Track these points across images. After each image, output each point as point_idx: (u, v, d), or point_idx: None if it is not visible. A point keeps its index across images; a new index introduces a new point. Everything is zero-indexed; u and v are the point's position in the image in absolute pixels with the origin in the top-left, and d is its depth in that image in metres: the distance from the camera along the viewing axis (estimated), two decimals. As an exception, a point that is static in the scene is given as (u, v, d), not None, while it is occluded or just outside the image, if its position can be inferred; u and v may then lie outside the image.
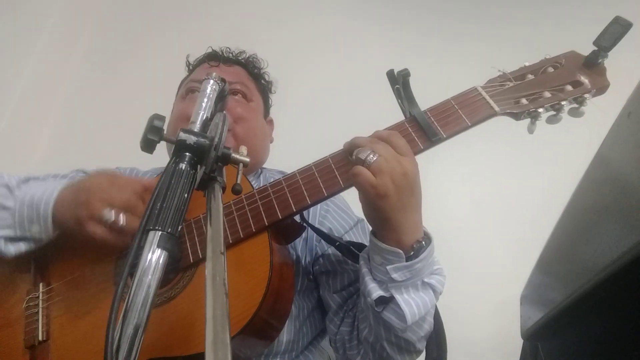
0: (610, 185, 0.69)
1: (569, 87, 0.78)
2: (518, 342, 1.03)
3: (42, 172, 1.02)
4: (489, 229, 1.65)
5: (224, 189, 0.55)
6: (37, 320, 0.79)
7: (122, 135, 1.41)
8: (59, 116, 2.00)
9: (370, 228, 0.77)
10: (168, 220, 0.48)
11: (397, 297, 0.72)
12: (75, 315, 0.78)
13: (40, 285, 0.82)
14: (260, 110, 1.16)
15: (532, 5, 1.91)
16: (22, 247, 0.79)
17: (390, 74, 0.79)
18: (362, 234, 0.99)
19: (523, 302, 1.01)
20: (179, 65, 1.24)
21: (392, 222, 0.70)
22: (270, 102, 1.24)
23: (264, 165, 1.16)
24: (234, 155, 0.57)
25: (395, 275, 0.71)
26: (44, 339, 0.77)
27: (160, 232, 0.47)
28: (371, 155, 0.68)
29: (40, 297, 0.81)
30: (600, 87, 0.77)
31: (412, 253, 0.71)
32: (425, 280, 0.73)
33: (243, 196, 0.79)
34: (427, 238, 0.74)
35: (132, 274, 0.45)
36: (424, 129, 0.76)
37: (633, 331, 0.55)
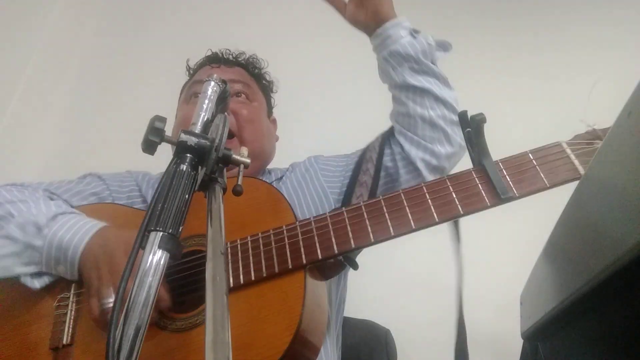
0: (610, 185, 0.69)
1: None
2: (518, 342, 1.04)
3: (42, 173, 1.03)
4: (489, 228, 1.65)
5: (224, 190, 0.55)
6: (65, 322, 0.78)
7: (122, 136, 1.41)
8: (59, 117, 2.00)
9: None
10: (169, 221, 0.48)
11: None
12: None
13: (73, 286, 0.82)
14: (264, 110, 1.17)
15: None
16: (46, 280, 0.81)
17: (463, 116, 0.72)
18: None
19: (523, 302, 1.01)
20: (180, 66, 1.24)
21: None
22: (273, 102, 1.25)
23: (270, 166, 1.16)
24: (235, 156, 0.57)
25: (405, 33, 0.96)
26: (68, 342, 0.77)
27: (161, 233, 0.47)
28: None
29: (71, 299, 0.81)
30: None
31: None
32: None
33: (284, 227, 0.75)
34: None
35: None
36: (493, 182, 0.69)
37: (634, 331, 0.56)
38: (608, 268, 0.50)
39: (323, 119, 1.83)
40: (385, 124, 1.06)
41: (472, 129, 0.71)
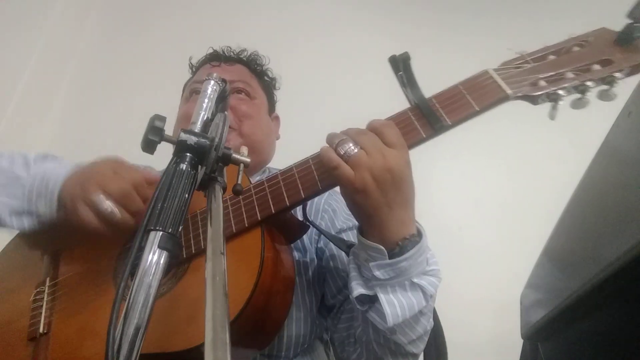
0: (610, 185, 0.69)
1: (597, 67, 0.70)
2: (518, 342, 1.04)
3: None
4: (489, 228, 1.65)
5: (224, 189, 0.55)
6: (41, 313, 0.80)
7: (122, 135, 1.41)
8: (58, 117, 2.00)
9: None
10: (169, 221, 0.48)
11: (380, 296, 0.68)
12: (74, 309, 0.79)
13: (47, 279, 0.84)
14: (265, 107, 1.16)
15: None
16: (24, 222, 0.80)
17: (392, 60, 0.75)
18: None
19: (523, 302, 1.02)
20: (181, 65, 1.24)
21: (375, 218, 0.66)
22: (275, 99, 1.24)
23: (270, 165, 1.16)
24: (235, 155, 0.57)
25: (377, 273, 0.67)
26: (45, 331, 0.79)
27: (161, 233, 0.47)
28: (352, 147, 0.65)
29: (46, 291, 0.83)
30: (635, 65, 0.68)
31: (396, 250, 0.67)
32: (414, 280, 0.68)
33: None
34: (418, 235, 0.69)
35: (132, 274, 0.45)
36: (427, 116, 0.72)
37: (633, 331, 0.56)
38: (607, 269, 0.50)
39: (325, 118, 1.83)
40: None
41: (402, 68, 0.73)
